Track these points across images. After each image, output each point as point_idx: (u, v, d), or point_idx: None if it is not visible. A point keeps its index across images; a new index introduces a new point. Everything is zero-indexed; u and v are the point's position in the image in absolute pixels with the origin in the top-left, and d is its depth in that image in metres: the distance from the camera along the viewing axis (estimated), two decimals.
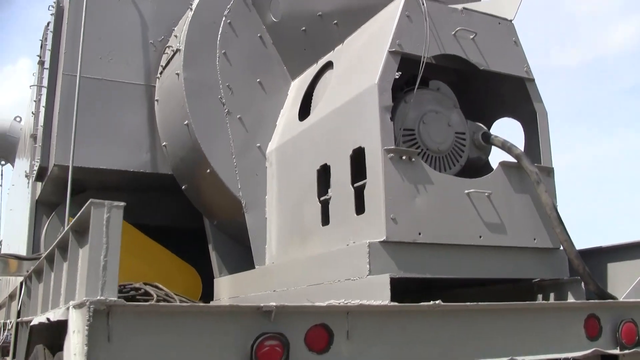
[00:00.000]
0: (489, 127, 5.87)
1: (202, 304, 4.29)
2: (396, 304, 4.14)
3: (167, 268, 7.22)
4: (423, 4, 4.93)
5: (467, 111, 5.86)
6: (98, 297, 3.27)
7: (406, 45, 4.87)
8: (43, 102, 6.98)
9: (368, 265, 4.47)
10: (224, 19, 6.19)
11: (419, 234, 4.63)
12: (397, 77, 5.83)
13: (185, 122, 6.09)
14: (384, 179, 4.59)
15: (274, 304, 3.60)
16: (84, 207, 3.71)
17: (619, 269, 5.69)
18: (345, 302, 4.14)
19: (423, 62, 4.85)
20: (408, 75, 6.02)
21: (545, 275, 5.12)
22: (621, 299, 4.95)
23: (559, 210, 5.08)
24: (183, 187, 6.64)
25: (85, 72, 6.61)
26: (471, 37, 5.13)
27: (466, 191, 4.85)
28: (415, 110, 5.08)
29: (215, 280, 6.66)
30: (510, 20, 5.40)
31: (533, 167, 4.98)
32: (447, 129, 5.14)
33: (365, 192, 4.74)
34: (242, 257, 6.31)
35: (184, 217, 7.10)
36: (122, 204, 3.70)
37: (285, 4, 6.11)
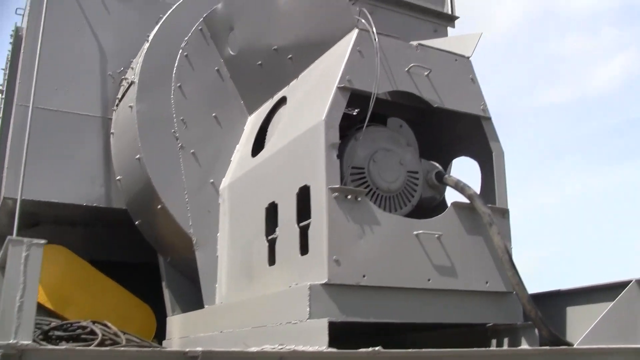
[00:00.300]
0: (447, 166, 5.76)
1: (124, 348, 4.12)
2: (333, 350, 3.98)
3: (121, 306, 7.04)
4: (375, 40, 4.82)
5: (426, 149, 5.76)
6: (10, 341, 3.11)
7: (356, 81, 4.76)
8: None
9: (308, 309, 4.30)
10: (180, 51, 6.09)
11: (363, 276, 4.47)
12: (354, 113, 5.75)
13: (137, 156, 5.95)
14: (327, 218, 4.44)
15: (201, 349, 3.44)
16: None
17: (578, 312, 5.54)
18: (280, 347, 3.97)
19: (373, 98, 4.73)
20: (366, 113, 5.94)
21: (498, 320, 4.95)
22: (576, 345, 4.77)
23: (511, 253, 4.95)
24: (136, 222, 6.48)
25: (41, 103, 6.48)
26: (425, 73, 5.03)
27: (415, 232, 4.70)
28: (366, 148, 4.96)
29: (167, 319, 6.48)
30: (468, 57, 5.30)
31: (486, 209, 4.84)
32: (399, 167, 5.01)
33: (310, 232, 4.59)
34: (196, 296, 6.13)
35: (140, 253, 6.93)
36: (43, 241, 3.54)
37: (242, 38, 6.01)
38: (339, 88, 4.70)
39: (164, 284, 6.55)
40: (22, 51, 6.64)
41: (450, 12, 7.34)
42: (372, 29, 4.85)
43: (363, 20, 4.93)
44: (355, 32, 4.88)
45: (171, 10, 6.26)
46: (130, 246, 6.85)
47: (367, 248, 4.52)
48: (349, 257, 4.44)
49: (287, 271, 4.81)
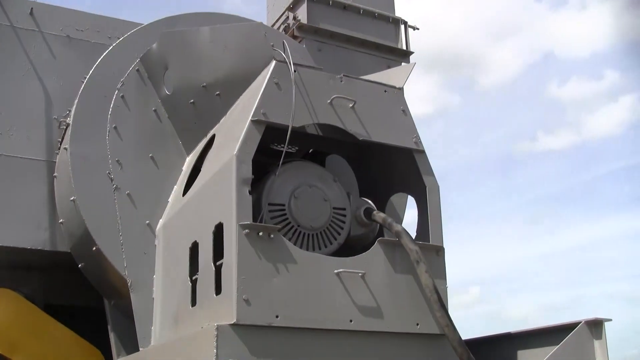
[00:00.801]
0: (384, 203, 5.57)
1: None
2: None
3: (71, 350, 6.88)
4: (291, 70, 4.70)
5: (366, 187, 5.60)
6: None
7: (272, 114, 4.62)
8: None
9: (215, 350, 4.10)
10: (116, 92, 6.02)
11: (276, 316, 4.26)
12: (293, 151, 5.62)
13: (72, 198, 5.84)
14: (237, 256, 4.26)
15: None
16: None
17: (530, 356, 5.28)
18: None
19: (289, 131, 4.58)
20: (305, 151, 5.81)
21: None
22: None
23: (443, 292, 4.72)
24: (79, 265, 6.34)
25: None
26: (350, 105, 4.88)
27: (336, 271, 4.49)
28: (288, 184, 4.80)
29: None
30: (399, 88, 5.15)
31: (413, 245, 4.62)
32: (323, 204, 4.84)
33: (222, 270, 4.42)
34: None
35: (88, 296, 6.79)
36: None
37: (175, 76, 5.94)
38: (252, 122, 4.56)
39: (109, 327, 6.39)
40: None
41: (404, 48, 7.25)
42: (289, 59, 4.73)
43: (282, 52, 4.81)
44: (272, 63, 4.76)
45: (107, 51, 6.21)
46: (87, 290, 6.71)
47: (281, 287, 4.32)
48: (260, 297, 4.24)
49: (205, 312, 4.64)
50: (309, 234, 4.76)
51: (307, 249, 4.70)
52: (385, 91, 5.11)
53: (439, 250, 4.94)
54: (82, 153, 5.87)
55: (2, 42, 6.69)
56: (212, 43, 5.60)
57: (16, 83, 6.83)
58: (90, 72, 6.14)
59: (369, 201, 5.12)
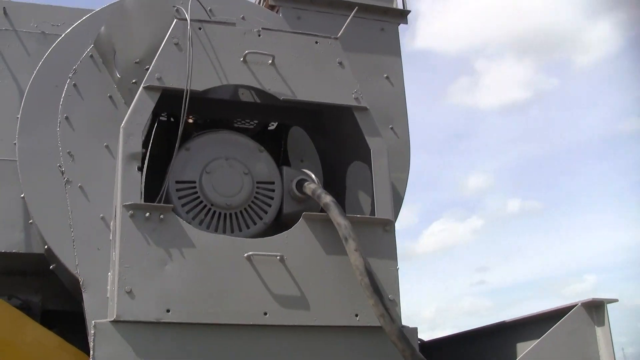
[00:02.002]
0: (344, 175, 4.83)
1: None
2: None
3: (54, 354, 6.58)
4: (189, 26, 4.10)
5: (326, 159, 4.91)
6: None
7: (169, 78, 4.04)
8: None
9: (92, 352, 3.57)
10: (68, 80, 5.63)
11: (167, 311, 3.67)
12: (252, 126, 5.04)
13: (22, 195, 5.50)
14: (119, 242, 3.71)
15: None
16: None
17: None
18: None
19: (186, 96, 3.98)
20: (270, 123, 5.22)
21: None
22: None
23: (389, 276, 3.97)
24: (51, 267, 6.01)
25: None
26: (268, 61, 4.21)
27: (246, 254, 3.84)
28: (200, 158, 4.19)
29: None
30: (334, 38, 4.43)
31: (342, 220, 3.88)
32: (242, 178, 4.19)
33: (111, 260, 3.88)
34: None
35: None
36: None
37: (119, 57, 5.47)
38: (144, 88, 4.02)
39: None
40: None
41: (401, 7, 6.44)
42: (187, 15, 4.13)
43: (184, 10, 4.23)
44: (174, 23, 4.17)
45: (58, 40, 5.84)
46: (59, 292, 6.39)
47: (175, 276, 3.73)
48: (147, 288, 3.68)
49: (111, 308, 4.11)
50: (225, 214, 4.13)
51: (225, 232, 4.07)
52: (316, 42, 4.39)
53: (387, 225, 4.17)
54: (31, 147, 5.50)
55: None
56: (138, 16, 5.11)
57: None
58: (40, 63, 5.79)
59: (309, 172, 4.40)
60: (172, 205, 3.89)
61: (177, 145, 4.05)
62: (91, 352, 3.57)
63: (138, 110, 3.98)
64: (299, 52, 4.34)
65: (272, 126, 5.37)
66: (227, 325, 3.75)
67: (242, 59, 4.19)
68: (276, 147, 5.20)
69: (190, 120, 5.24)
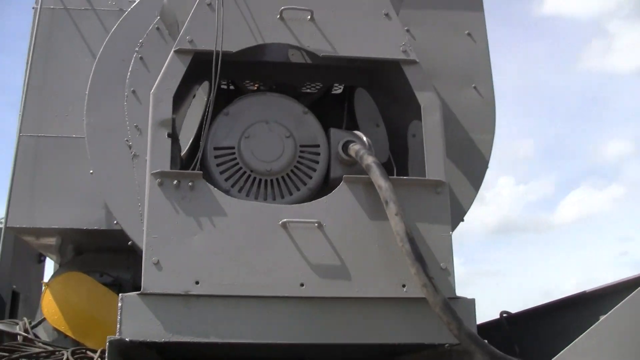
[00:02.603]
0: (404, 135, 4.48)
1: None
2: None
3: None
4: None
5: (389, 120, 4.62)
6: None
7: (201, 40, 3.88)
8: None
9: (119, 326, 3.47)
10: (135, 54, 5.62)
11: (196, 282, 3.50)
12: (312, 91, 4.84)
13: (91, 171, 5.56)
14: (147, 211, 3.59)
15: None
16: None
17: None
18: None
19: (218, 58, 3.80)
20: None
21: (423, 338, 3.58)
22: None
23: (439, 242, 3.62)
24: (129, 243, 6.07)
25: (42, 131, 6.41)
26: (307, 17, 3.95)
27: (282, 221, 3.61)
28: (239, 123, 3.99)
29: None
30: None
31: (384, 181, 3.57)
32: (283, 142, 3.95)
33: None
34: None
35: None
36: None
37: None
38: (175, 52, 3.89)
39: None
40: (25, 80, 6.65)
41: None
42: None
43: None
44: None
45: (125, 14, 5.84)
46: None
47: (204, 246, 3.57)
48: (174, 259, 3.53)
49: None
50: (266, 180, 3.91)
51: (266, 199, 3.86)
52: None
53: (439, 186, 3.80)
54: (98, 123, 5.54)
55: (60, 26, 6.61)
56: None
57: (72, 65, 6.75)
58: (106, 39, 5.82)
59: (359, 134, 4.09)
60: (201, 172, 3.71)
61: (209, 110, 3.87)
62: (117, 325, 3.46)
63: (168, 76, 3.86)
64: (340, 6, 4.05)
65: (338, 89, 5.11)
66: (260, 297, 3.53)
67: (278, 17, 3.95)
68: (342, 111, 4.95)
69: (255, 87, 5.08)
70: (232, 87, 5.06)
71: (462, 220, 5.70)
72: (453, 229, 5.42)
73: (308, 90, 5.10)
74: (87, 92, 5.57)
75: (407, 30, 5.75)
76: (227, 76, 4.85)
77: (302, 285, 3.56)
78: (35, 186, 6.27)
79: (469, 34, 5.79)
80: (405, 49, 4.00)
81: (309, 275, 3.57)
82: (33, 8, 6.54)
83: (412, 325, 3.59)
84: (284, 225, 3.62)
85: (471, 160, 5.58)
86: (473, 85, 5.68)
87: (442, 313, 3.33)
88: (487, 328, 5.10)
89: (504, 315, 5.01)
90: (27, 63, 6.70)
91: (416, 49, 5.69)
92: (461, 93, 5.75)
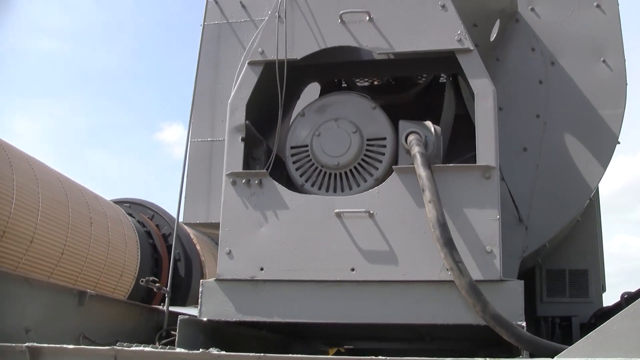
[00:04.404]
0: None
1: None
2: (182, 350, 3.82)
3: None
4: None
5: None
6: None
7: (271, 51, 4.42)
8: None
9: (200, 307, 4.17)
10: None
11: (261, 269, 4.09)
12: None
13: None
14: (222, 208, 4.25)
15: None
16: None
17: None
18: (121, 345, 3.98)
19: (284, 66, 4.33)
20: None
21: (464, 319, 3.80)
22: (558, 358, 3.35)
23: (486, 226, 3.85)
24: None
25: (210, 136, 7.10)
26: (365, 18, 4.32)
27: (336, 211, 4.05)
28: (312, 122, 4.47)
29: None
30: None
31: (423, 170, 3.86)
32: (350, 137, 4.34)
33: None
34: None
35: None
36: None
37: None
38: (249, 64, 4.46)
39: None
40: (194, 90, 7.34)
41: None
42: None
43: None
44: None
45: None
46: None
47: (269, 236, 4.14)
48: (243, 249, 4.16)
49: None
50: (336, 174, 4.34)
51: (336, 191, 4.30)
52: None
53: (487, 171, 3.96)
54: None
55: (225, 39, 7.36)
56: None
57: (235, 73, 7.52)
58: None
59: (427, 124, 4.33)
60: (266, 171, 4.25)
61: (280, 113, 4.40)
62: (199, 307, 4.14)
63: (243, 85, 4.43)
64: (398, 3, 4.33)
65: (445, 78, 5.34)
66: (315, 281, 4.00)
67: (339, 21, 4.36)
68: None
69: (376, 82, 5.49)
70: (344, 84, 5.52)
71: (591, 199, 5.62)
72: (579, 208, 5.42)
73: (418, 82, 5.40)
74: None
75: (532, 9, 5.82)
76: (336, 75, 5.31)
77: (352, 270, 3.96)
78: (210, 186, 7.09)
79: (597, 5, 5.70)
80: (460, 37, 4.18)
81: (359, 261, 3.96)
82: (200, 25, 7.43)
83: (456, 307, 3.81)
84: (338, 214, 4.04)
85: (599, 137, 5.50)
86: (602, 58, 5.59)
87: (467, 295, 3.54)
88: (609, 312, 5.02)
89: (625, 296, 4.91)
90: (196, 74, 7.50)
91: (542, 26, 5.76)
92: (590, 67, 5.67)
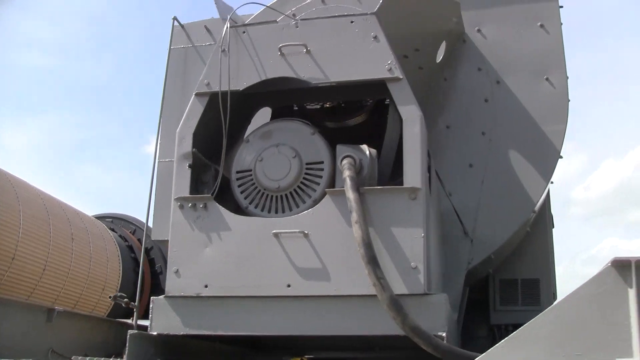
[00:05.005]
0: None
1: None
2: None
3: None
4: (226, 30, 4.79)
5: None
6: None
7: (216, 83, 4.78)
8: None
9: (150, 322, 4.54)
10: None
11: (205, 286, 4.44)
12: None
13: None
14: (171, 230, 4.61)
15: None
16: None
17: None
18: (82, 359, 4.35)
19: (228, 98, 4.69)
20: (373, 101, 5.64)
21: (390, 330, 4.14)
22: None
23: (413, 243, 4.21)
24: None
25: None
26: (303, 50, 4.68)
27: (273, 231, 4.42)
28: (256, 148, 4.83)
29: None
30: (370, 14, 4.67)
31: (351, 193, 4.21)
32: (290, 162, 4.69)
33: None
34: None
35: None
36: None
37: None
38: (196, 95, 4.82)
39: None
40: (160, 112, 7.47)
41: None
42: (227, 24, 4.82)
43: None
44: (223, 31, 4.89)
45: None
46: None
47: (212, 256, 4.49)
48: (189, 268, 4.51)
49: None
50: (277, 196, 4.69)
51: (277, 212, 4.65)
52: (352, 22, 4.69)
53: (413, 193, 4.31)
54: None
55: (191, 62, 7.60)
56: None
57: None
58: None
59: (363, 148, 4.67)
60: (210, 195, 4.61)
61: (224, 141, 4.75)
62: (149, 322, 4.50)
63: (190, 116, 4.80)
64: (334, 36, 4.69)
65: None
66: (254, 297, 4.36)
67: (279, 53, 4.72)
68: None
69: (327, 105, 5.84)
70: (295, 108, 5.88)
71: (534, 212, 5.98)
72: (522, 221, 5.79)
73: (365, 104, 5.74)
74: None
75: (478, 30, 6.19)
76: (286, 101, 5.66)
77: (288, 286, 4.31)
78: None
79: (541, 25, 6.06)
80: (390, 67, 4.53)
81: (295, 278, 4.32)
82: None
83: (384, 319, 4.14)
84: (276, 235, 4.40)
85: (542, 153, 5.86)
86: (545, 76, 5.95)
87: (388, 309, 3.88)
88: None
89: None
90: (162, 96, 7.71)
91: (488, 46, 6.13)
92: (533, 85, 6.04)
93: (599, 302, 3.49)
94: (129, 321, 6.92)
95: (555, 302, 3.69)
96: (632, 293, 3.45)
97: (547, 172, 5.86)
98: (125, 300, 6.49)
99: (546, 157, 5.90)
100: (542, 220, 6.77)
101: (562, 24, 6.18)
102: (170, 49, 6.93)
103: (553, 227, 7.18)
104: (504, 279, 6.67)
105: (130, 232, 11.49)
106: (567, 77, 6.06)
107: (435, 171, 5.49)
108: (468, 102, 6.18)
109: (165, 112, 6.88)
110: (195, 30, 7.38)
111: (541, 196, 5.92)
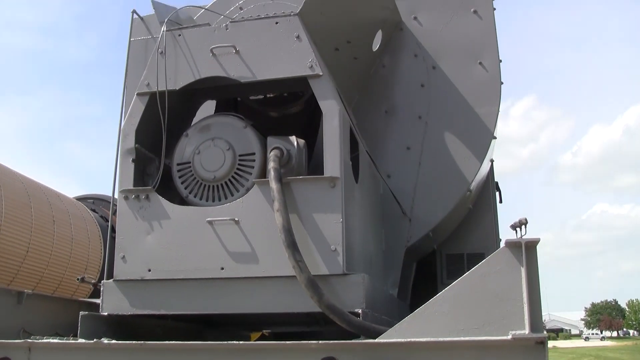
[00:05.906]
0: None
1: None
2: (81, 340, 4.72)
3: None
4: (163, 34, 5.25)
5: None
6: None
7: (154, 82, 5.24)
8: None
9: (101, 303, 5.06)
10: None
11: (149, 270, 4.96)
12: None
13: None
14: (118, 219, 5.11)
15: None
16: None
17: None
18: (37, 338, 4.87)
19: (165, 97, 5.15)
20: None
21: (311, 308, 4.64)
22: (381, 338, 4.16)
23: (331, 228, 4.71)
24: None
25: None
26: (232, 51, 5.15)
27: (208, 219, 4.92)
28: (195, 142, 5.30)
29: None
30: (294, 15, 5.12)
31: (274, 183, 4.69)
32: (224, 154, 5.18)
33: None
34: None
35: None
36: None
37: None
38: (137, 95, 5.29)
39: None
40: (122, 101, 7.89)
41: None
42: (163, 27, 5.28)
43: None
44: (160, 35, 5.35)
45: None
46: None
47: (154, 243, 4.99)
48: (134, 254, 5.02)
49: None
50: (214, 186, 5.18)
51: (214, 201, 5.13)
52: (276, 23, 5.15)
53: (333, 181, 4.79)
54: None
55: (150, 53, 7.99)
56: None
57: None
58: None
59: (291, 139, 5.15)
60: (152, 187, 5.11)
61: (164, 137, 5.24)
62: (100, 303, 5.03)
63: (132, 114, 5.27)
64: (260, 36, 5.14)
65: None
66: (192, 279, 4.87)
67: (211, 54, 5.19)
68: None
69: (270, 95, 6.31)
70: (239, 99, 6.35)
71: (469, 191, 6.47)
72: (457, 199, 6.28)
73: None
74: None
75: (415, 18, 6.63)
76: (227, 94, 6.12)
77: (222, 269, 4.82)
78: None
79: (474, 11, 6.51)
80: (311, 64, 4.99)
81: (228, 261, 4.82)
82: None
83: (302, 298, 4.64)
84: (210, 222, 4.90)
85: (476, 134, 6.34)
86: (479, 61, 6.41)
87: (306, 288, 4.38)
88: None
89: None
90: (123, 88, 8.11)
91: (424, 33, 6.58)
92: (467, 70, 6.49)
93: (495, 281, 4.02)
94: (98, 301, 7.44)
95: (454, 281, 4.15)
96: (523, 271, 3.98)
97: (481, 153, 6.34)
98: (93, 282, 7.05)
99: (480, 138, 6.37)
100: (487, 197, 7.26)
101: (494, 9, 6.61)
102: (130, 41, 7.35)
103: (500, 202, 7.67)
104: (450, 253, 7.18)
105: (112, 213, 11.99)
106: (500, 61, 6.51)
107: (370, 156, 5.97)
108: (405, 87, 6.64)
109: (128, 102, 7.33)
110: (154, 22, 7.76)
111: (475, 175, 6.40)
